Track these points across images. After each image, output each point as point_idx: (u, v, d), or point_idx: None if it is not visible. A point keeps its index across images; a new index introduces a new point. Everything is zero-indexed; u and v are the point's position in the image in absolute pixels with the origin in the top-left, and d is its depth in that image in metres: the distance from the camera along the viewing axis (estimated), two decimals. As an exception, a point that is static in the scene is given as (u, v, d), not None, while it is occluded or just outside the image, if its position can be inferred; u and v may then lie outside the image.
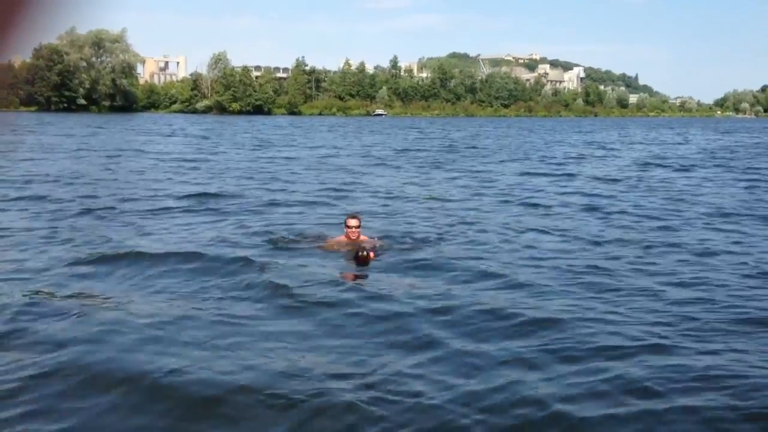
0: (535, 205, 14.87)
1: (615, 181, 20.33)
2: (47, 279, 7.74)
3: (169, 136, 45.71)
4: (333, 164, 25.80)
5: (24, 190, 15.80)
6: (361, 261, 8.12)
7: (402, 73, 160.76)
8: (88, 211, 12.70)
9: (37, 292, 7.12)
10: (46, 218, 11.95)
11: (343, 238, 9.09)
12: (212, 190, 16.59)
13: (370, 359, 5.32)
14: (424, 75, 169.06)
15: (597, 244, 10.38)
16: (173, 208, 13.52)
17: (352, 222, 8.97)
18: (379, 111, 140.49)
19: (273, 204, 14.40)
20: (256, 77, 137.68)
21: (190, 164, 24.20)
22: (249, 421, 4.29)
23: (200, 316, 6.35)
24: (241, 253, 8.96)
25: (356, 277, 7.89)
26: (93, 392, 4.68)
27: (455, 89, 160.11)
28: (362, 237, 9.04)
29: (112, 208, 13.23)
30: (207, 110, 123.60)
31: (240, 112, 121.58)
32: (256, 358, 5.24)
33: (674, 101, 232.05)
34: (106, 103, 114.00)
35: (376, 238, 9.48)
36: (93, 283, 7.65)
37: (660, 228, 11.93)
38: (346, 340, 5.83)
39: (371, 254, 8.17)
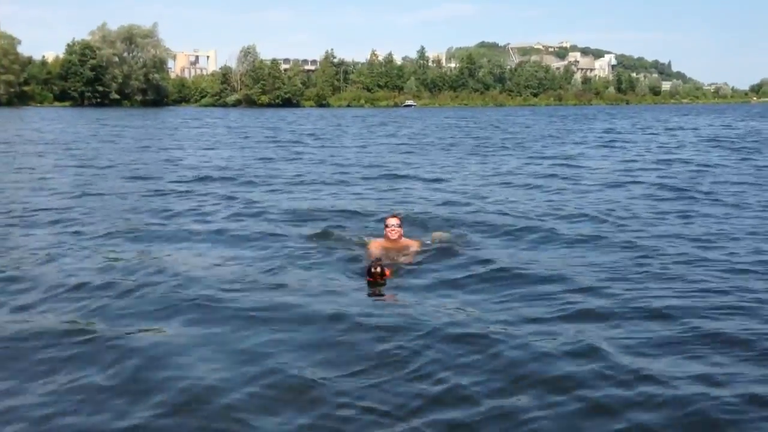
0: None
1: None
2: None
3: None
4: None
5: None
6: (373, 279, 6.89)
7: (430, 64, 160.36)
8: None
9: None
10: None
11: (381, 240, 8.50)
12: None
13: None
14: (453, 65, 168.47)
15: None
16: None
17: (392, 221, 8.42)
18: (409, 102, 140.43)
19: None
20: (285, 70, 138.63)
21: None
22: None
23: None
24: (268, 246, 8.90)
25: (371, 292, 6.86)
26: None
27: (484, 79, 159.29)
28: (403, 239, 8.42)
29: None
30: (236, 103, 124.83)
31: (269, 105, 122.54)
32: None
33: (708, 87, 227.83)
34: (138, 98, 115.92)
35: (418, 240, 8.72)
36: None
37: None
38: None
39: (387, 271, 6.96)
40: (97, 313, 6.29)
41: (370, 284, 6.88)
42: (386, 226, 8.42)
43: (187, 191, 14.57)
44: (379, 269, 6.83)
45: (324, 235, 9.38)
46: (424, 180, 17.32)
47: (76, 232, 9.98)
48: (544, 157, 23.63)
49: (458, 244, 8.82)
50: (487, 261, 7.97)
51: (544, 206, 12.43)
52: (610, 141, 32.50)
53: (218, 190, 14.76)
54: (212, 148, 28.45)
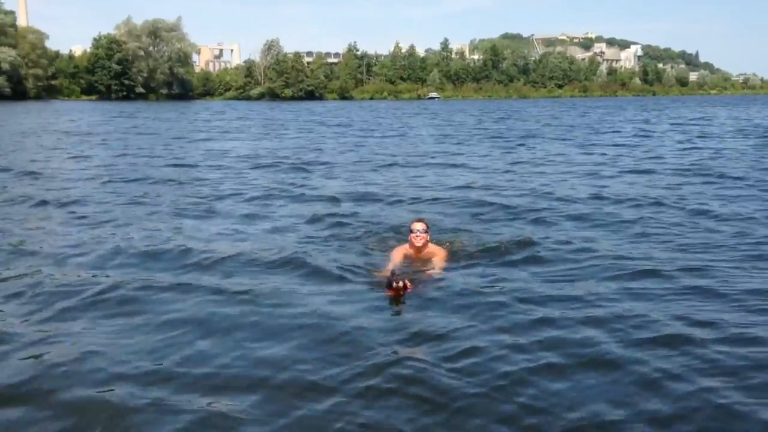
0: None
1: None
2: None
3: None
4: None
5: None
6: (394, 293, 6.20)
7: (453, 56, 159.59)
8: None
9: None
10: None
11: (405, 246, 7.83)
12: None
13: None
14: (476, 57, 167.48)
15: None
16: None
17: (417, 226, 7.63)
18: (433, 94, 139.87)
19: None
20: (308, 63, 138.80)
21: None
22: None
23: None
24: (294, 247, 8.37)
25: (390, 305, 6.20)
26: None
27: (507, 70, 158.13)
28: (429, 246, 7.77)
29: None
30: (260, 97, 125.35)
31: (292, 98, 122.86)
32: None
33: (737, 78, 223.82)
34: (164, 91, 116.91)
35: (447, 245, 8.13)
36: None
37: None
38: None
39: (408, 284, 6.21)
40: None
41: (390, 299, 6.20)
42: (410, 231, 7.68)
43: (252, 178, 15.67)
44: (401, 283, 6.11)
45: (352, 238, 8.96)
46: (475, 168, 17.78)
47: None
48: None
49: (487, 250, 8.14)
50: (518, 279, 7.11)
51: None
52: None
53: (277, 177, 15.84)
54: (265, 138, 29.74)
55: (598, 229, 9.69)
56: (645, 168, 17.20)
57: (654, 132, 32.53)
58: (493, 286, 6.77)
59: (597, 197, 12.35)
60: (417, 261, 7.60)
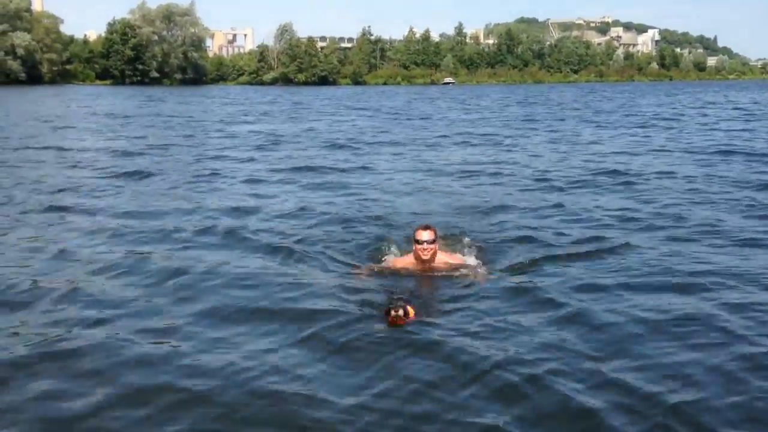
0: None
1: None
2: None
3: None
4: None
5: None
6: (393, 323, 5.23)
7: (468, 40, 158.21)
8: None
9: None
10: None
11: (409, 259, 6.65)
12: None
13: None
14: (491, 41, 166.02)
15: None
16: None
17: (424, 235, 6.40)
18: (448, 79, 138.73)
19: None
20: (321, 48, 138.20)
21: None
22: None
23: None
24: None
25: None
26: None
27: (523, 55, 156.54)
28: (438, 256, 6.56)
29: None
30: (273, 82, 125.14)
31: (305, 83, 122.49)
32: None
33: (755, 63, 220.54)
34: (178, 76, 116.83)
35: (460, 258, 6.91)
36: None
37: None
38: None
39: (410, 312, 5.26)
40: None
41: (388, 327, 5.22)
42: (416, 241, 6.43)
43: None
44: (400, 312, 5.18)
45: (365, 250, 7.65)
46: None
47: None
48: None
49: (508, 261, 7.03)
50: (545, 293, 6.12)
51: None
52: None
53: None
54: (319, 120, 31.78)
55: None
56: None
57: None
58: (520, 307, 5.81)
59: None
60: (424, 277, 6.42)
